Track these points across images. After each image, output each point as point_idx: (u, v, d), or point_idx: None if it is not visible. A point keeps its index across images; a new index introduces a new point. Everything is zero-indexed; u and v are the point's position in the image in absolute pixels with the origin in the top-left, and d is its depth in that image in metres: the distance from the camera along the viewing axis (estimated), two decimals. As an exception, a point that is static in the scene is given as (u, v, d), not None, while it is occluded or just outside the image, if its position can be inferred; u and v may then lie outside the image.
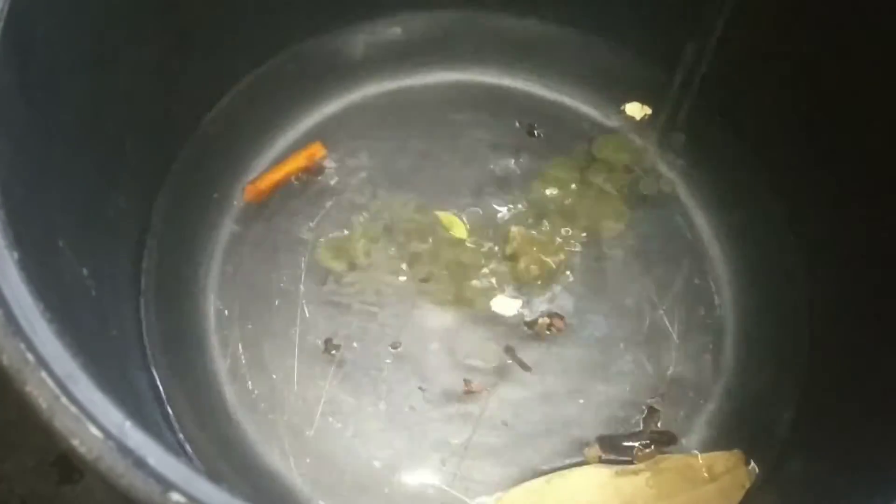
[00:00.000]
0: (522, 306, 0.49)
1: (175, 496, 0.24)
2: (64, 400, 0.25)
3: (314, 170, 0.52)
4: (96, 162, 0.42)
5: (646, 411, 0.48)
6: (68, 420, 0.25)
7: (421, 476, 0.47)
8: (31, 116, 0.34)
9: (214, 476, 0.44)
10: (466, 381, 0.47)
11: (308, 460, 0.47)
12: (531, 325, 0.48)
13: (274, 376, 0.49)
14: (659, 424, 0.47)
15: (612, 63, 0.57)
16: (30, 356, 0.25)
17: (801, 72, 0.48)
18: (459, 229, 0.51)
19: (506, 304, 0.48)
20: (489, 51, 0.57)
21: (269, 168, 0.53)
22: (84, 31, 0.38)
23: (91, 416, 0.25)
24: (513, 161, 0.54)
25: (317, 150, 0.52)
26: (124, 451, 0.24)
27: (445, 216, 0.51)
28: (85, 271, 0.38)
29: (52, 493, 0.48)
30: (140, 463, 0.24)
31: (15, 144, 0.32)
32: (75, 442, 0.24)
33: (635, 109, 0.55)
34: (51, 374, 0.25)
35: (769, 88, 0.51)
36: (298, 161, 0.52)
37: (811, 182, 0.50)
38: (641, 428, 0.48)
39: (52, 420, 0.24)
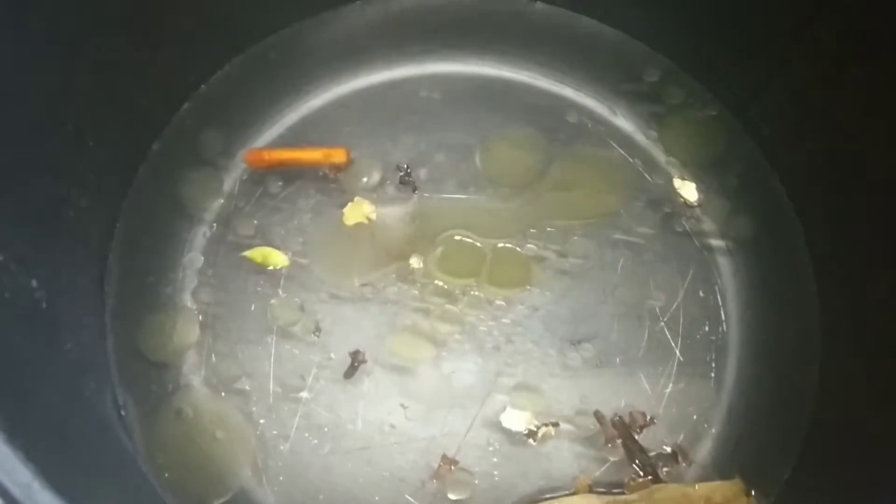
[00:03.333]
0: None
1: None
2: (-41, 459, 0.22)
3: (329, 173, 0.49)
4: (53, 162, 0.39)
5: (669, 452, 0.45)
6: (-38, 484, 0.22)
7: (400, 497, 0.44)
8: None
9: (180, 496, 0.42)
10: (444, 458, 0.44)
11: (281, 478, 0.45)
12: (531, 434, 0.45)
13: (247, 387, 0.46)
14: (665, 471, 0.44)
15: (621, 55, 0.53)
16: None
17: (821, 69, 0.44)
18: (276, 258, 0.48)
19: (514, 420, 0.45)
20: (492, 40, 0.53)
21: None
22: (36, 23, 0.35)
23: (-9, 478, 0.22)
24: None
25: (338, 154, 0.49)
26: (26, 518, 0.22)
27: (259, 252, 0.48)
28: (34, 283, 0.36)
29: None
30: (43, 533, 0.22)
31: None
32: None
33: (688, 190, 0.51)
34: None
35: (785, 86, 0.47)
36: (313, 154, 0.49)
37: (828, 195, 0.46)
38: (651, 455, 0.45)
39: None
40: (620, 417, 0.44)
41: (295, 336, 0.47)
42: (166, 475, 0.43)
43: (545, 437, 0.44)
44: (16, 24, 0.35)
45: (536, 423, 0.44)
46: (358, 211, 0.49)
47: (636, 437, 0.44)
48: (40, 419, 0.25)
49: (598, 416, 0.44)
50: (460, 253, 0.48)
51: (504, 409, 0.45)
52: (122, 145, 0.46)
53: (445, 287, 0.48)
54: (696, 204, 0.50)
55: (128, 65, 0.44)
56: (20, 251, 0.34)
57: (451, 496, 0.44)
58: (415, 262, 0.48)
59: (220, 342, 0.47)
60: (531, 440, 0.44)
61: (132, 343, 0.45)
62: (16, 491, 0.22)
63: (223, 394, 0.46)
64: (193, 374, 0.46)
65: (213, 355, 0.47)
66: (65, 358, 0.38)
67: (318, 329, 0.47)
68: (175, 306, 0.47)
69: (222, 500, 0.43)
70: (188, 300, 0.47)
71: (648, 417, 0.44)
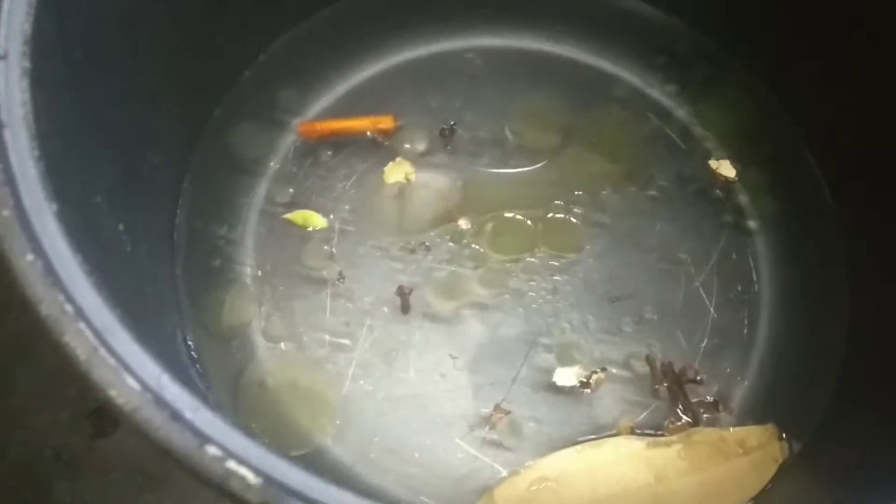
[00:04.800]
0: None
1: (212, 450, 0.24)
2: (102, 351, 0.25)
3: (378, 138, 0.52)
4: (132, 118, 0.42)
5: (711, 400, 0.47)
6: (106, 372, 0.25)
7: (450, 441, 0.47)
8: (69, 71, 0.34)
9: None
10: (497, 407, 0.47)
11: (338, 421, 0.47)
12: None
13: (305, 338, 0.49)
14: (705, 417, 0.47)
15: (658, 30, 0.56)
16: (68, 307, 0.25)
17: (853, 39, 0.47)
18: (316, 220, 0.51)
19: (566, 376, 0.47)
20: (533, 15, 0.56)
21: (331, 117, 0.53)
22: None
23: (128, 369, 0.25)
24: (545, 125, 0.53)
25: (385, 121, 0.52)
26: (161, 403, 0.24)
27: (300, 215, 0.50)
28: (121, 227, 0.38)
29: (86, 445, 0.49)
30: (177, 416, 0.24)
31: (53, 97, 0.32)
32: (113, 393, 0.24)
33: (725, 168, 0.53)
34: (89, 325, 0.25)
35: (816, 55, 0.49)
36: (362, 123, 0.52)
37: (857, 160, 0.49)
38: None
39: (91, 371, 0.25)
40: (670, 363, 0.47)
41: (346, 292, 0.49)
42: (266, 441, 0.45)
43: (598, 382, 0.46)
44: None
45: (586, 373, 0.47)
46: (399, 170, 0.51)
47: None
48: (148, 338, 0.28)
49: (649, 360, 0.47)
50: (510, 231, 0.51)
51: (546, 359, 0.48)
52: (189, 108, 0.49)
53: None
54: (735, 179, 0.52)
55: (195, 34, 0.47)
56: (111, 197, 0.37)
57: (504, 442, 0.46)
58: (463, 223, 0.50)
59: (277, 302, 0.49)
60: (587, 390, 0.47)
61: (198, 313, 0.48)
62: (151, 381, 0.25)
63: (284, 349, 0.48)
64: (258, 339, 0.48)
65: (273, 316, 0.49)
66: (145, 300, 0.41)
67: (342, 276, 0.49)
68: (233, 268, 0.50)
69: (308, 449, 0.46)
70: (245, 262, 0.50)
71: (699, 377, 0.47)
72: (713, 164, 0.52)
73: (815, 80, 0.50)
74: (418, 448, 0.47)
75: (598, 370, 0.47)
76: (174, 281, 0.47)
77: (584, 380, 0.46)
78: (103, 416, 0.50)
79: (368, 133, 0.52)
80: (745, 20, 0.52)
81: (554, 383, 0.47)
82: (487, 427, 0.46)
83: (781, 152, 0.53)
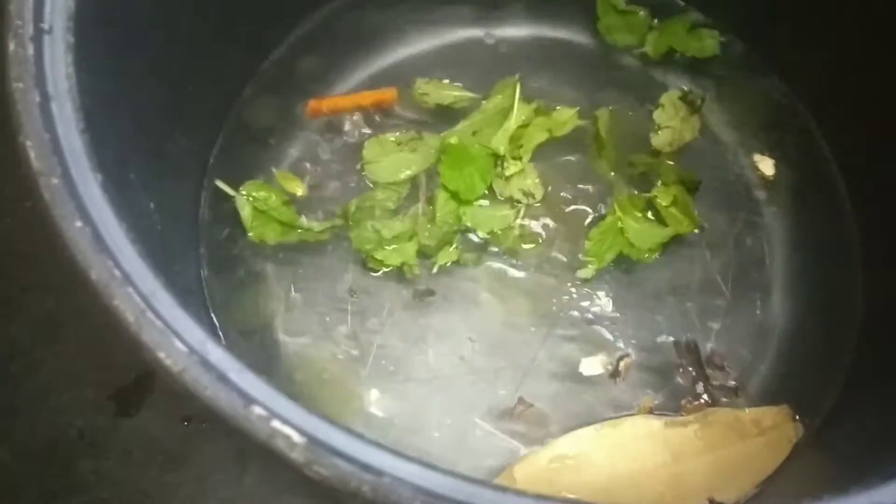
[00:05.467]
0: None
1: (257, 409, 0.24)
2: (150, 315, 0.26)
3: (381, 111, 0.53)
4: (162, 101, 0.43)
5: (730, 385, 0.48)
6: (155, 333, 0.25)
7: (469, 421, 0.48)
8: (107, 48, 0.35)
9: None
10: (521, 400, 0.47)
11: (361, 405, 0.48)
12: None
13: (327, 319, 0.49)
14: (724, 401, 0.47)
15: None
16: (117, 272, 0.26)
17: (868, 29, 0.47)
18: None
19: (592, 366, 0.48)
20: (551, 4, 0.56)
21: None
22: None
23: (175, 332, 0.26)
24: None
25: (388, 94, 0.53)
26: (207, 365, 0.25)
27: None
28: (152, 205, 0.39)
29: (109, 425, 0.49)
30: (223, 377, 0.25)
31: (95, 76, 0.32)
32: (161, 354, 0.25)
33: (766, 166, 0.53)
34: (136, 290, 0.26)
35: (830, 45, 0.50)
36: (368, 97, 0.53)
37: (871, 148, 0.49)
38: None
39: (140, 333, 0.25)
40: (695, 344, 0.47)
41: (366, 275, 0.50)
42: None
43: (626, 367, 0.47)
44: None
45: (611, 360, 0.47)
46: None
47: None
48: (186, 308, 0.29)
49: (676, 343, 0.48)
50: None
51: (567, 343, 0.49)
52: (213, 91, 0.50)
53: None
54: (771, 178, 0.52)
55: (221, 19, 0.48)
56: (143, 176, 0.38)
57: (522, 424, 0.47)
58: None
59: (298, 288, 0.50)
60: (617, 379, 0.47)
61: (221, 301, 0.49)
62: (196, 345, 0.26)
63: (307, 338, 0.49)
64: (281, 329, 0.49)
65: (295, 301, 0.50)
66: (174, 278, 0.41)
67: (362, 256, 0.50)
68: (253, 256, 0.50)
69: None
70: (265, 249, 0.51)
71: (725, 363, 0.47)
72: (756, 157, 0.53)
73: (829, 70, 0.51)
74: (438, 428, 0.48)
75: (623, 355, 0.47)
76: (199, 268, 0.48)
77: (611, 367, 0.47)
78: (125, 396, 0.50)
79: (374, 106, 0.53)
80: (762, 9, 0.53)
81: (580, 374, 0.47)
82: (510, 419, 0.47)
83: (796, 141, 0.53)
